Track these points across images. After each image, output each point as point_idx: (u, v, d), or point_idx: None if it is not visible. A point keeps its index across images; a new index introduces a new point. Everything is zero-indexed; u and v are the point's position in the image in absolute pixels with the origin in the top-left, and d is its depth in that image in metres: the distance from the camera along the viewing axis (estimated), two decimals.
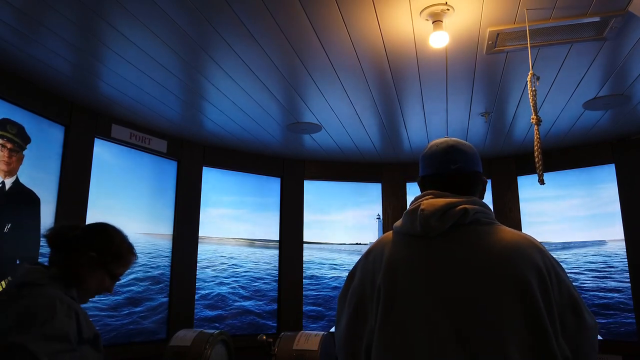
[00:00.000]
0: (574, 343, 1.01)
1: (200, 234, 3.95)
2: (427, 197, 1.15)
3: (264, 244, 4.31)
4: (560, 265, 1.10)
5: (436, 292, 1.04)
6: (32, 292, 1.33)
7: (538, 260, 1.03)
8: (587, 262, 3.90)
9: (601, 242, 3.87)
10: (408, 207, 1.18)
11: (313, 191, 4.52)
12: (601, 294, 3.77)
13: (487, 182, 1.26)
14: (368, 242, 4.49)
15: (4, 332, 1.22)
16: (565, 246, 4.05)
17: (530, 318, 0.97)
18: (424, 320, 1.02)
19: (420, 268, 1.07)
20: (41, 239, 2.76)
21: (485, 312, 0.99)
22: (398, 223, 1.19)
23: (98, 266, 1.49)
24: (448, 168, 1.18)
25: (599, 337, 3.65)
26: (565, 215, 4.09)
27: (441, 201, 1.10)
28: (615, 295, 3.71)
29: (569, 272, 3.93)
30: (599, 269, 3.83)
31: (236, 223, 4.24)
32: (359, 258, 1.27)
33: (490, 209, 1.16)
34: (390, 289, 1.08)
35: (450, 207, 1.09)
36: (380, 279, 1.10)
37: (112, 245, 1.53)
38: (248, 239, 4.27)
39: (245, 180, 4.32)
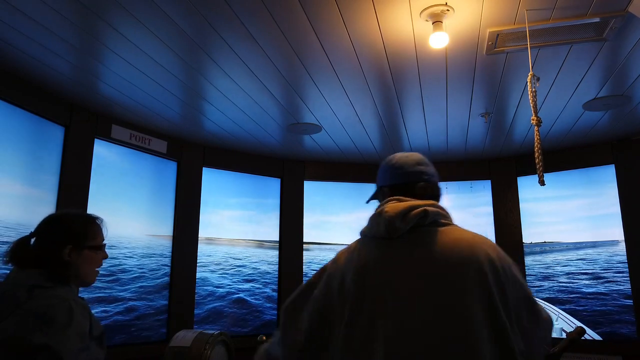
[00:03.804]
0: (529, 336, 1.07)
1: (204, 235, 3.96)
2: (390, 201, 1.21)
3: (263, 244, 4.31)
4: (515, 264, 1.16)
5: (402, 291, 1.07)
6: (44, 294, 1.34)
7: (494, 258, 1.10)
8: (587, 262, 3.90)
9: (601, 243, 3.87)
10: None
11: (318, 192, 4.52)
12: (601, 294, 3.77)
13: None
14: None
15: (25, 334, 1.23)
16: (565, 247, 4.04)
17: (490, 311, 1.02)
18: (392, 318, 1.05)
19: (385, 269, 1.12)
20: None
21: (450, 306, 1.03)
22: (364, 227, 1.24)
23: (82, 251, 1.50)
24: (420, 179, 1.26)
25: (599, 338, 3.66)
26: (565, 216, 4.09)
27: (403, 204, 1.17)
28: (615, 295, 3.71)
29: (568, 273, 3.93)
30: (599, 269, 3.83)
31: (237, 224, 4.24)
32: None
33: (448, 212, 1.22)
34: (359, 292, 1.11)
35: (411, 209, 1.15)
36: (350, 284, 1.13)
37: (77, 227, 1.52)
38: (248, 240, 4.27)
39: (246, 181, 4.32)
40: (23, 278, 1.38)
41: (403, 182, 1.26)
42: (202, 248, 3.97)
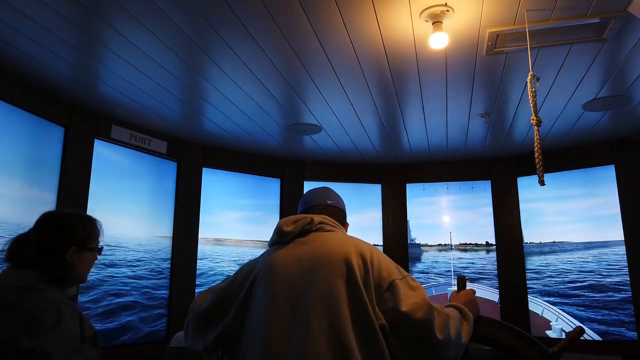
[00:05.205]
0: (397, 311, 1.20)
1: (212, 236, 3.97)
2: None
3: (263, 244, 4.32)
4: (388, 259, 1.33)
5: (282, 280, 1.29)
6: (34, 297, 1.33)
7: (363, 250, 1.29)
8: (587, 263, 3.90)
9: (600, 243, 3.87)
10: None
11: None
12: (600, 294, 3.77)
13: (347, 225, 1.61)
14: (373, 244, 4.49)
15: (14, 338, 1.23)
16: (565, 247, 4.05)
17: (352, 290, 1.21)
18: (271, 299, 1.27)
19: (275, 265, 1.34)
20: None
21: (318, 287, 1.23)
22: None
23: (83, 252, 1.50)
24: (319, 204, 1.55)
25: (598, 338, 3.66)
26: (566, 216, 4.09)
27: (295, 216, 1.43)
28: (615, 295, 3.71)
29: (567, 273, 3.93)
30: (599, 270, 3.83)
31: (242, 225, 4.24)
32: None
33: (336, 222, 1.46)
34: (251, 285, 1.35)
35: (301, 218, 1.41)
36: (249, 281, 1.37)
37: (80, 228, 1.52)
38: (255, 241, 4.27)
39: (248, 182, 4.32)
40: (14, 280, 1.36)
41: (307, 207, 1.57)
42: (214, 249, 4.01)
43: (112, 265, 3.30)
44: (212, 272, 4.00)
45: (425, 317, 1.21)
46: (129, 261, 3.43)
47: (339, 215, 1.55)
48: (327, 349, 1.15)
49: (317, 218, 1.41)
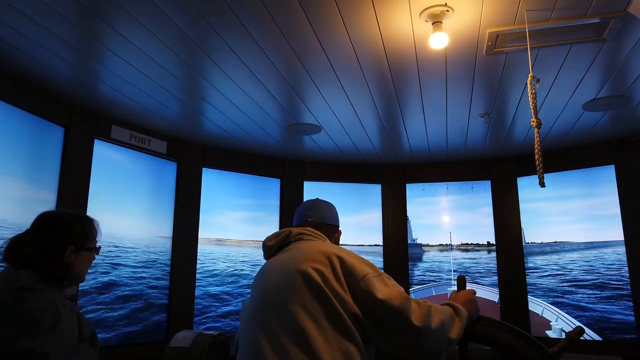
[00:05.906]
0: (374, 299, 1.25)
1: (213, 236, 3.98)
2: None
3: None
4: (362, 259, 1.38)
5: (262, 285, 1.42)
6: (32, 297, 1.32)
7: (330, 254, 1.35)
8: (588, 263, 3.90)
9: (601, 243, 3.87)
10: None
11: (318, 193, 4.52)
12: (600, 294, 3.77)
13: (340, 233, 1.73)
14: (373, 244, 4.50)
15: (13, 338, 1.22)
16: (566, 247, 4.05)
17: (312, 285, 1.29)
18: (251, 304, 1.42)
19: (260, 275, 1.50)
20: None
21: (285, 286, 1.33)
22: None
23: (80, 252, 1.50)
24: (306, 220, 1.66)
25: (599, 338, 3.66)
26: (565, 216, 4.09)
27: (277, 231, 1.57)
28: (615, 296, 3.71)
29: (565, 272, 3.93)
30: (598, 270, 3.83)
31: (243, 225, 4.24)
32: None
33: (319, 234, 1.56)
34: (247, 300, 1.52)
35: (281, 233, 1.55)
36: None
37: (78, 228, 1.52)
38: (256, 241, 4.27)
39: (247, 181, 4.32)
40: (12, 280, 1.36)
41: (295, 224, 1.71)
42: (221, 249, 4.03)
43: (124, 265, 3.31)
44: (225, 273, 4.08)
45: (401, 305, 1.25)
46: (140, 261, 3.45)
47: (322, 228, 1.64)
48: (290, 342, 1.24)
49: (295, 230, 1.54)
